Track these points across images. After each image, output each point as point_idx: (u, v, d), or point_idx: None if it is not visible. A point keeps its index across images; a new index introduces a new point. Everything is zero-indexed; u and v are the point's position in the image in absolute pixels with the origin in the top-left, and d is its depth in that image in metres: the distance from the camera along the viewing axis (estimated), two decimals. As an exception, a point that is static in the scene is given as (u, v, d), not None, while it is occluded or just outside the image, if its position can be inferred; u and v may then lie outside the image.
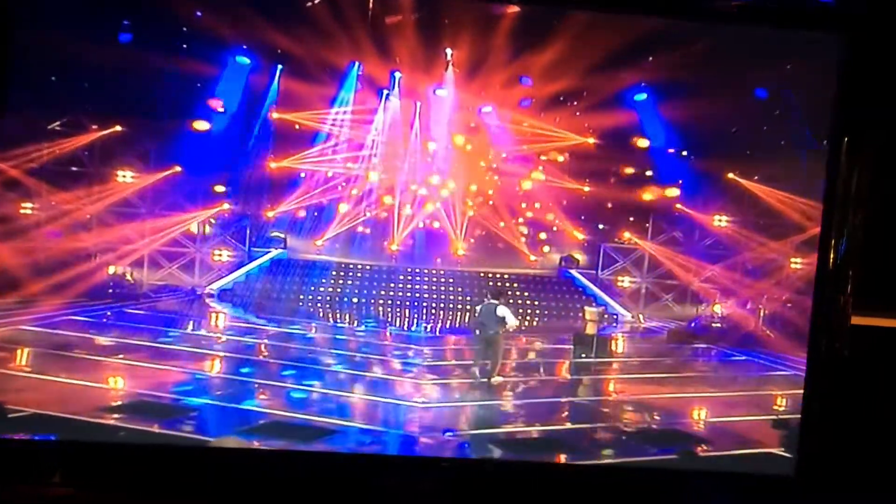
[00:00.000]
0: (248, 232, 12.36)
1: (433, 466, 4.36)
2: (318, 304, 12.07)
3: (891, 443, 4.29)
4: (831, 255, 4.05)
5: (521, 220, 13.04)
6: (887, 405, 4.30)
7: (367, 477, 4.12)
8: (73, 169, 8.32)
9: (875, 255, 4.12)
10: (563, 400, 6.79)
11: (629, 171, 11.37)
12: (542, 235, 13.27)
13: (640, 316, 12.22)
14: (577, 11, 5.95)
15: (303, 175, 12.10)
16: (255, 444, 4.69)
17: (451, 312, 11.99)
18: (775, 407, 6.26)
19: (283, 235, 12.86)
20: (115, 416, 5.01)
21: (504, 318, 7.21)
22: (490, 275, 12.67)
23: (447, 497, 4.09)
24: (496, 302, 7.38)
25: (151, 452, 4.29)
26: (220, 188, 11.06)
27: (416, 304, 12.04)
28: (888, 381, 4.30)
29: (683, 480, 4.41)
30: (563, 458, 4.91)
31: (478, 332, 7.38)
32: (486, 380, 7.08)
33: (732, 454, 4.99)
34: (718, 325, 10.43)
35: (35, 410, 4.59)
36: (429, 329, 10.85)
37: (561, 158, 12.15)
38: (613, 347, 9.46)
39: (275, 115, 11.15)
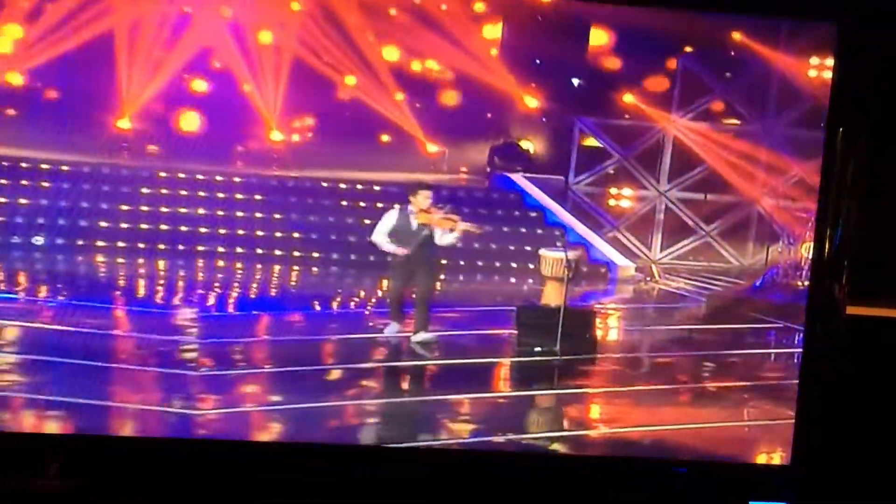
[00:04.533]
0: None
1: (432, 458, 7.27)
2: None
3: (887, 434, 6.98)
4: (826, 245, 6.86)
5: (405, 61, 12.39)
6: (883, 396, 6.99)
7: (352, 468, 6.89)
8: None
9: (872, 244, 6.93)
10: (499, 440, 7.27)
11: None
12: (451, 99, 12.81)
13: (654, 267, 12.30)
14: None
15: None
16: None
17: (262, 267, 11.78)
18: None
19: None
20: None
21: (431, 235, 8.87)
22: (345, 186, 12.33)
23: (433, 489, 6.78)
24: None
25: (153, 447, 6.95)
26: None
27: (183, 252, 11.66)
28: (884, 372, 6.99)
29: (675, 472, 7.12)
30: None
31: (391, 258, 8.94)
32: (401, 336, 8.72)
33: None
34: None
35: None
36: (214, 304, 10.65)
37: None
38: (599, 332, 9.73)
39: None
